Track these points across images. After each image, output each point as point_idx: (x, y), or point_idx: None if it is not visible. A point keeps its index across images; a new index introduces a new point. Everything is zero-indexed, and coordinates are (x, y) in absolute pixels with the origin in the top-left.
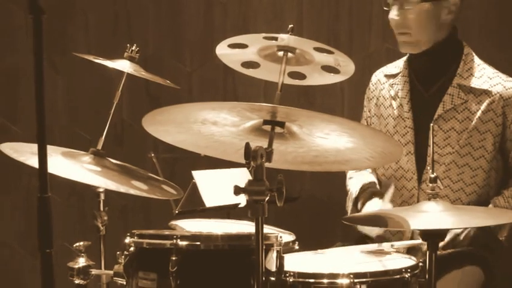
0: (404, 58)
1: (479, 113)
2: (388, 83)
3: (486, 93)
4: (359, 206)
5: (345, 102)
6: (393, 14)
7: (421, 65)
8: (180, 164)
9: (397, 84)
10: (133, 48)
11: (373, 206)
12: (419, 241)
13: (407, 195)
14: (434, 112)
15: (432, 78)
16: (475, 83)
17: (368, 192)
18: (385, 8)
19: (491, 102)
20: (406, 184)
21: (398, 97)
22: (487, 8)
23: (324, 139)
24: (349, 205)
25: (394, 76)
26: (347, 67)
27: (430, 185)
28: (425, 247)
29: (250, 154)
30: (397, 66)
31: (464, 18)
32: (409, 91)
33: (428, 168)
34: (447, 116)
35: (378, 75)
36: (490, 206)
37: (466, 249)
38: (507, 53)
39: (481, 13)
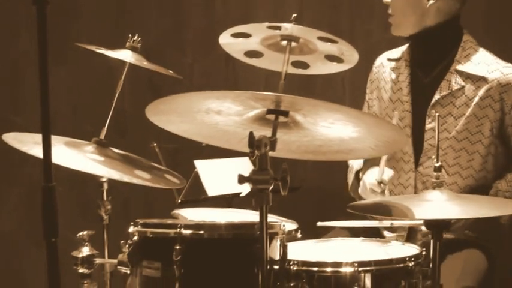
0: (407, 44)
1: (476, 99)
2: (389, 66)
3: (484, 79)
4: (360, 175)
5: (346, 92)
6: None
7: (420, 50)
8: (183, 154)
9: (399, 68)
10: (136, 38)
11: (374, 172)
12: (419, 221)
13: (405, 177)
14: (432, 97)
15: (431, 64)
16: (473, 69)
17: (369, 163)
18: None
19: (489, 88)
20: (403, 166)
21: (398, 81)
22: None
23: (328, 128)
24: (350, 176)
25: (396, 60)
26: (351, 56)
27: (435, 174)
28: (424, 228)
29: (254, 143)
30: (401, 50)
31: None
32: (409, 75)
33: (432, 156)
34: (444, 101)
35: (381, 58)
36: (493, 190)
37: (469, 236)
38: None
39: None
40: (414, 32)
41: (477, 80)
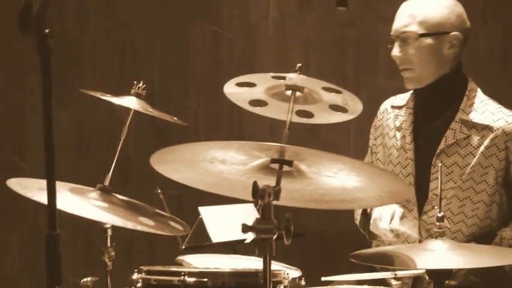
0: (412, 91)
1: (482, 148)
2: (393, 113)
3: (489, 128)
4: (368, 210)
5: (351, 137)
6: (395, 51)
7: (425, 98)
8: (187, 200)
9: (402, 115)
10: (140, 85)
11: (385, 212)
12: (422, 271)
13: (408, 225)
14: (437, 146)
15: (436, 112)
16: (478, 118)
17: None
18: (389, 46)
19: (494, 137)
20: (407, 215)
21: (402, 128)
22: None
23: (331, 178)
24: (358, 212)
25: (399, 108)
26: (355, 106)
27: (438, 223)
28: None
29: (258, 193)
30: (404, 98)
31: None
32: (413, 123)
33: (434, 206)
34: (450, 151)
35: (386, 105)
36: (497, 238)
37: (472, 282)
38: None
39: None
40: (430, 82)
41: (482, 129)
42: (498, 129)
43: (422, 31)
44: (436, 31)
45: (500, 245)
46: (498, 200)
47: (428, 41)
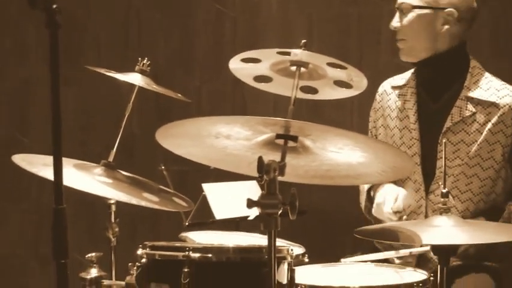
0: (412, 70)
1: (489, 125)
2: (394, 93)
3: (495, 105)
4: (372, 193)
5: (353, 115)
6: (394, 21)
7: (427, 76)
8: (190, 177)
9: (404, 95)
10: (145, 61)
11: (386, 190)
12: (426, 248)
13: (415, 205)
14: (442, 124)
15: (439, 90)
16: (483, 95)
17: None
18: None
19: (501, 114)
20: (413, 195)
21: (404, 108)
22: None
23: (336, 153)
24: (363, 198)
25: (400, 87)
26: (360, 82)
27: (442, 199)
28: (431, 254)
29: (263, 168)
30: (404, 78)
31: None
32: (416, 102)
33: (440, 183)
34: (456, 128)
35: (385, 86)
36: (506, 212)
37: (477, 260)
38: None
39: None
40: (425, 57)
41: (488, 106)
42: (505, 105)
43: (417, 3)
44: (430, 5)
45: (509, 219)
46: (504, 175)
47: (422, 13)
